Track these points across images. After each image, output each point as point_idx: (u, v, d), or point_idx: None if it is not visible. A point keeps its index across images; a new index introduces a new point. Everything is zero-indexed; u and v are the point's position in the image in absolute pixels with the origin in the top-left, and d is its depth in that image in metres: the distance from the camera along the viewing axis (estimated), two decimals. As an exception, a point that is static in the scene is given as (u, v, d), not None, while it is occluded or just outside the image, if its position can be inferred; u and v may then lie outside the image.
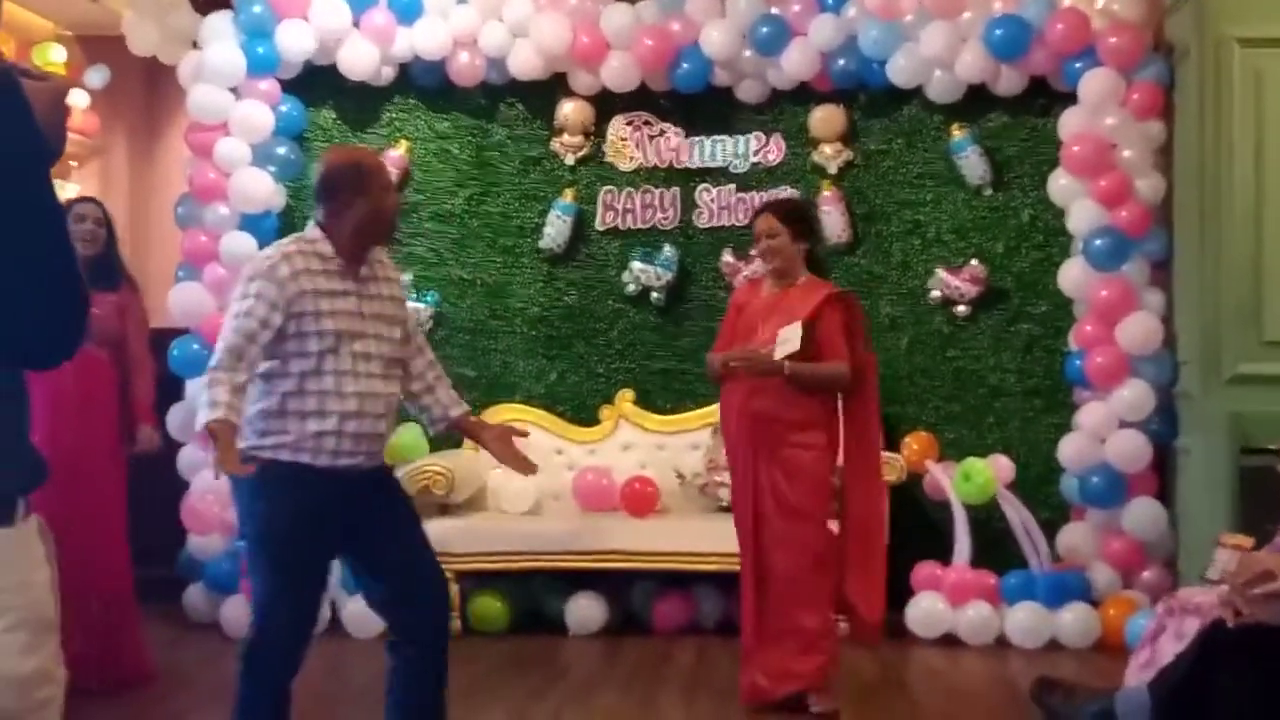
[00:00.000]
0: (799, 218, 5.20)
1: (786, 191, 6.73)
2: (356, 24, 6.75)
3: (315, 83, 6.90)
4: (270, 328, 3.68)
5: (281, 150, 6.83)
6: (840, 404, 5.10)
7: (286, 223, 6.95)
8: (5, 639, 1.79)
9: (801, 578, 5.01)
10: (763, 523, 5.05)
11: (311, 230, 3.83)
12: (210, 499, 6.54)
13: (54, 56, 7.41)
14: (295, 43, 6.73)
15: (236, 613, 6.40)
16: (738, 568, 6.15)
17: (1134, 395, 6.26)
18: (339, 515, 3.79)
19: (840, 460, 5.12)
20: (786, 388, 4.94)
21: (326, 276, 3.76)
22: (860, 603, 5.10)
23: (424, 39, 6.75)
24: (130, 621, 5.52)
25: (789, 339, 4.93)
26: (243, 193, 6.69)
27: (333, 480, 3.76)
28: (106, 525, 5.42)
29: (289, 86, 6.87)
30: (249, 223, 6.73)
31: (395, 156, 6.93)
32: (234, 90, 6.75)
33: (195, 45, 6.76)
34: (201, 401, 3.68)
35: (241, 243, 6.67)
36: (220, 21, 6.74)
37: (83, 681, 4.86)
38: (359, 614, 6.35)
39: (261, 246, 6.68)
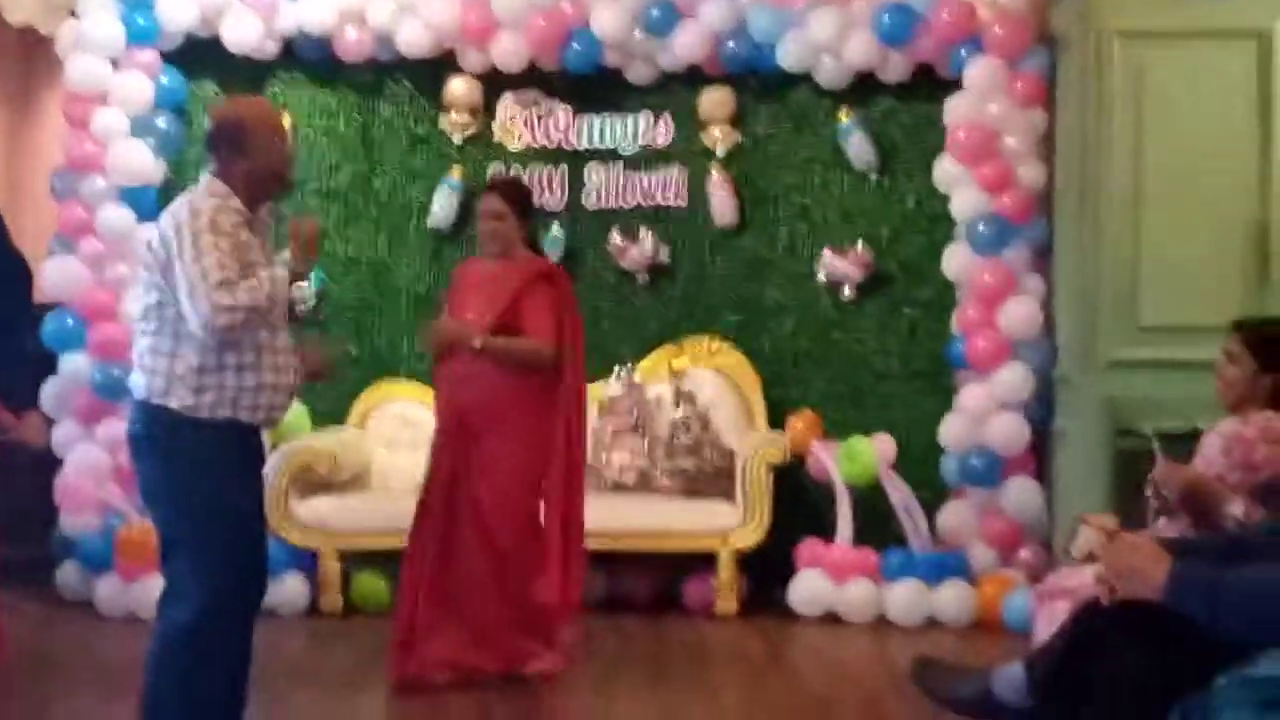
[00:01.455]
0: (522, 197, 5.32)
1: (673, 172, 6.77)
2: (240, -5, 6.63)
3: (197, 55, 6.76)
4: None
5: (161, 122, 6.68)
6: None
7: (165, 196, 6.77)
8: None
9: (484, 571, 5.02)
10: (458, 510, 5.03)
11: (215, 183, 3.82)
12: (85, 476, 6.40)
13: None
14: (176, 13, 6.59)
15: (110, 591, 6.29)
16: (623, 546, 6.21)
17: (1013, 378, 6.36)
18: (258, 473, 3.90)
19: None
20: (493, 377, 4.98)
21: (245, 229, 3.77)
22: (550, 591, 5.08)
23: (309, 13, 6.63)
24: None
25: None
26: (121, 165, 6.54)
27: (257, 436, 3.83)
28: None
29: (170, 58, 6.73)
30: (128, 195, 6.58)
31: (280, 131, 6.82)
32: (113, 61, 6.59)
33: (73, 14, 6.59)
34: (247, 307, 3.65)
35: (119, 216, 6.53)
36: (99, -10, 6.58)
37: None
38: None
39: (141, 220, 6.57)
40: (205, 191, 3.84)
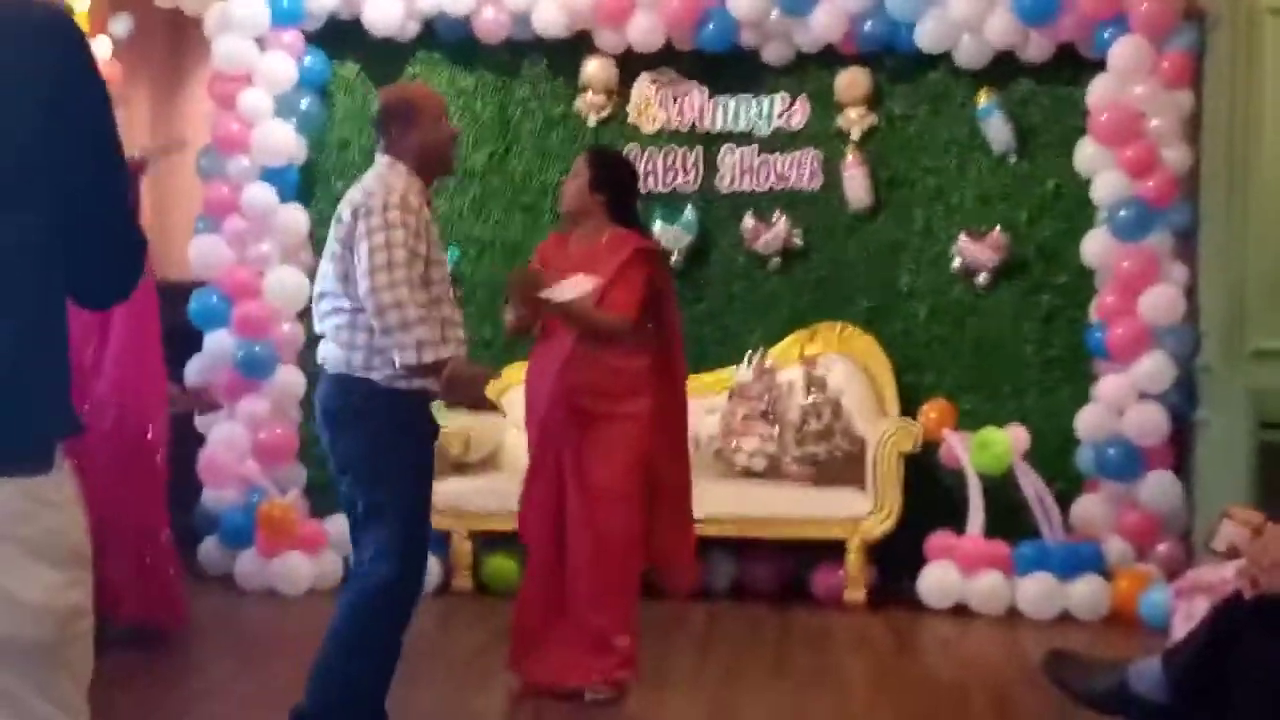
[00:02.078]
0: (603, 165, 5.01)
1: (807, 154, 6.72)
2: (382, -23, 6.71)
3: (339, 35, 6.87)
4: (420, 256, 3.88)
5: (304, 103, 6.80)
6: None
7: (307, 175, 6.94)
8: (49, 575, 1.89)
9: (601, 568, 4.73)
10: (565, 502, 4.81)
11: (396, 163, 4.01)
12: (227, 452, 6.55)
13: (77, 5, 7.37)
14: (320, -5, 6.71)
15: (250, 567, 6.44)
16: (752, 532, 6.19)
17: (1154, 367, 6.22)
18: None
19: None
20: (603, 356, 4.74)
21: (424, 210, 3.98)
22: (669, 555, 4.96)
23: (449, -6, 6.71)
24: (164, 564, 5.52)
25: (575, 286, 4.73)
26: (265, 144, 6.67)
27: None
28: (148, 464, 5.43)
29: (313, 38, 6.84)
30: (270, 175, 6.71)
31: (417, 112, 6.91)
32: (258, 41, 6.72)
33: (220, -4, 6.74)
34: (403, 342, 3.80)
35: (263, 194, 6.66)
36: (245, -28, 6.71)
37: (113, 619, 4.96)
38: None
39: (283, 200, 6.70)
40: (390, 170, 4.01)
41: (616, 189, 4.97)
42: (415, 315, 3.82)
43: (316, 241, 6.93)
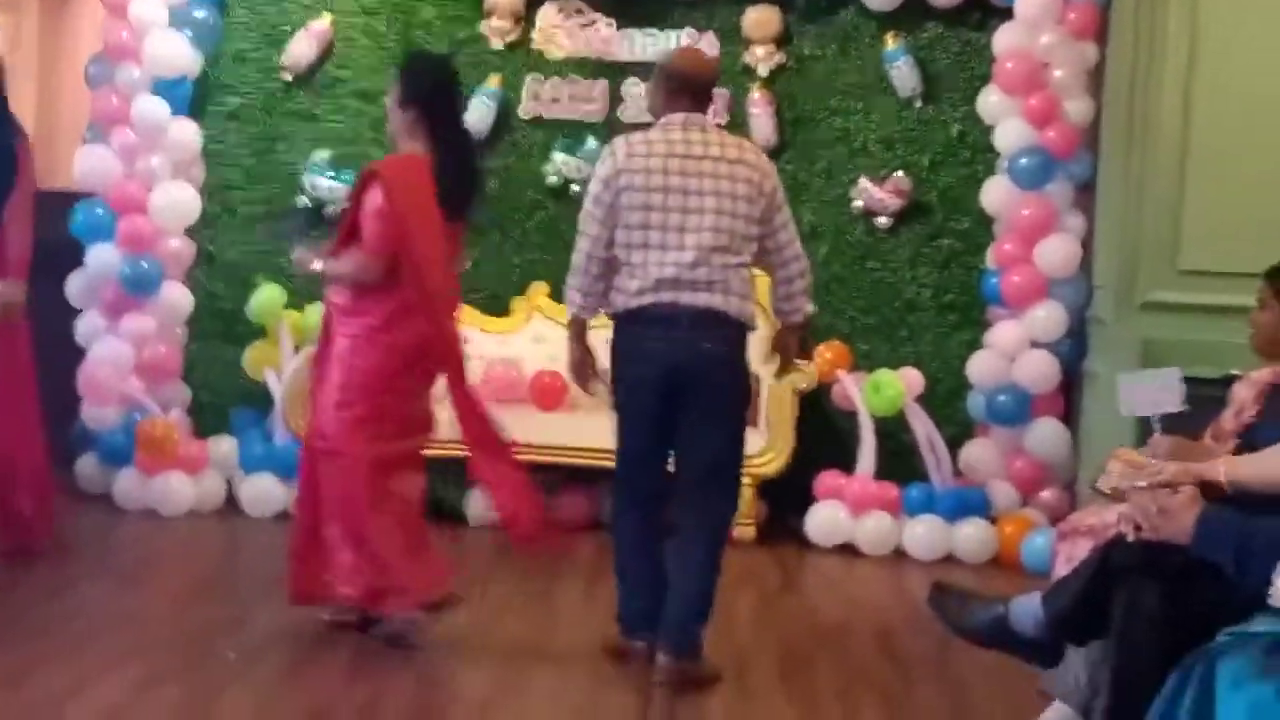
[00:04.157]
0: (411, 75, 4.65)
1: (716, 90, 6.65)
2: (284, -113, 6.53)
3: (238, -54, 6.68)
4: None
5: (199, 14, 6.60)
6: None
7: (201, 89, 6.74)
8: None
9: (334, 495, 4.58)
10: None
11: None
12: (108, 369, 6.39)
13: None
14: (219, -97, 6.51)
15: (129, 485, 6.29)
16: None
17: (1047, 316, 6.27)
18: None
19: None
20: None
21: None
22: (510, 512, 4.70)
23: (353, -92, 6.54)
24: (39, 485, 5.37)
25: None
26: (157, 56, 6.47)
27: None
28: (13, 385, 5.26)
29: (210, -52, 6.65)
30: (162, 87, 6.51)
31: (318, 29, 6.75)
32: (152, -51, 6.51)
33: (114, -100, 6.50)
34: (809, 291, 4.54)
35: (153, 106, 6.46)
36: (141, -125, 6.48)
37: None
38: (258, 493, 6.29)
39: (175, 112, 6.51)
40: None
41: (427, 102, 4.60)
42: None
43: (208, 156, 6.76)
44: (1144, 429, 3.77)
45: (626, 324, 4.39)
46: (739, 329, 4.38)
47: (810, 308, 4.62)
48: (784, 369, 4.82)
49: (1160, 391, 3.76)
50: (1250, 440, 3.64)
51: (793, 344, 4.69)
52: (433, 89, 4.63)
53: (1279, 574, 2.77)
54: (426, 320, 4.53)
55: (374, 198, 4.47)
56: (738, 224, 4.34)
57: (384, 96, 6.52)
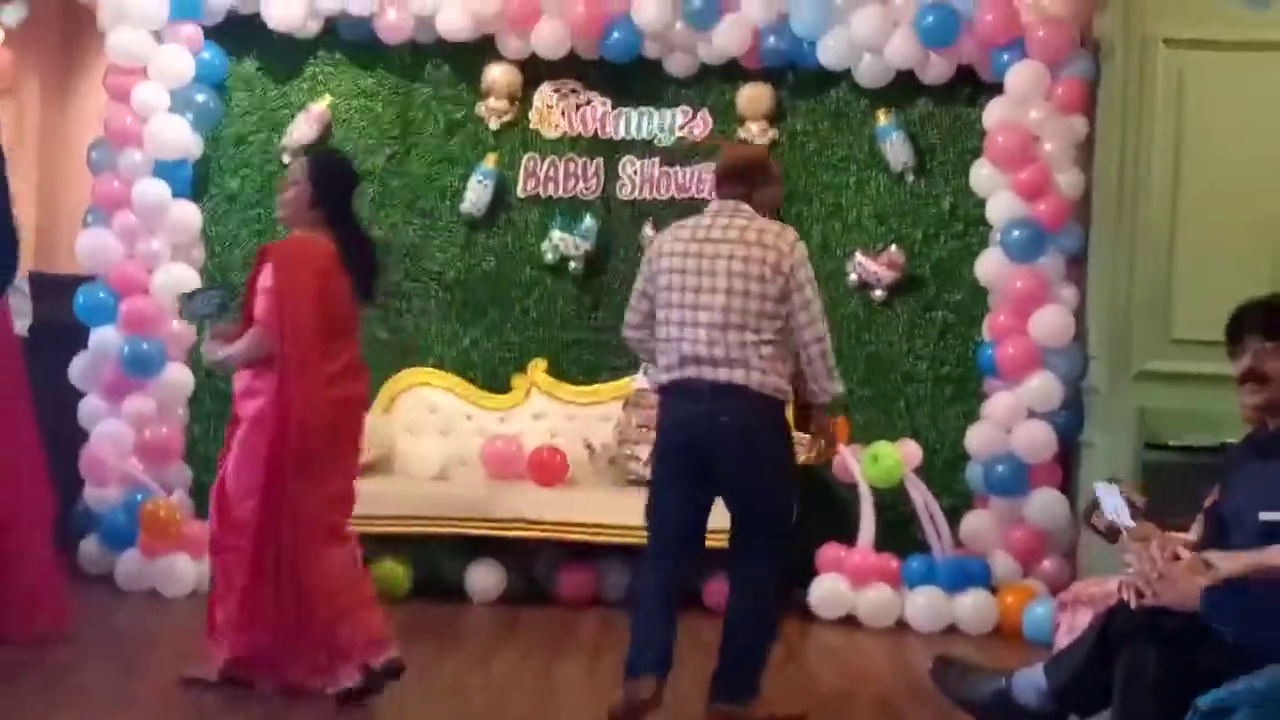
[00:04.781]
0: (320, 166, 4.91)
1: (708, 167, 6.74)
2: (283, -26, 6.64)
3: (238, 31, 6.78)
4: None
5: (201, 98, 6.70)
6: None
7: (202, 171, 6.83)
8: None
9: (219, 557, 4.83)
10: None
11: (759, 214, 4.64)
12: (110, 449, 6.41)
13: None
14: (220, -11, 6.61)
15: (131, 567, 6.29)
16: (639, 541, 6.17)
17: (1043, 387, 6.32)
18: None
19: None
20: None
21: None
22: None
23: (352, -7, 6.65)
24: (44, 570, 5.37)
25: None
26: (159, 139, 6.55)
27: None
28: (19, 467, 5.27)
29: (211, 34, 6.74)
30: (163, 170, 6.59)
31: (317, 111, 6.84)
32: (155, 34, 6.61)
33: (116, -14, 6.61)
34: (833, 371, 4.62)
35: (155, 189, 6.54)
36: (144, -37, 6.60)
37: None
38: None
39: (176, 195, 6.58)
40: (771, 220, 4.68)
41: (339, 201, 4.86)
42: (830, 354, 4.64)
43: (209, 238, 6.83)
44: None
45: (663, 396, 4.70)
46: (762, 400, 4.54)
47: (837, 388, 4.67)
48: (820, 451, 5.17)
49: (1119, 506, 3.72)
50: (1215, 519, 3.62)
51: (824, 425, 4.93)
52: (345, 192, 4.92)
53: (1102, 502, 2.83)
54: (294, 393, 4.64)
55: (265, 276, 4.72)
56: (751, 302, 4.51)
57: (375, 177, 6.78)
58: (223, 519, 4.81)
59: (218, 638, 4.80)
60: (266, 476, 4.66)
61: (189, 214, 6.66)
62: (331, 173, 4.93)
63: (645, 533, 4.78)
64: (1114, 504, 3.64)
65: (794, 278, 4.55)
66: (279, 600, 4.67)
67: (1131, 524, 3.53)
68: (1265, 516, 3.36)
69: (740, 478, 4.59)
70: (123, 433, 6.47)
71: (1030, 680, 3.62)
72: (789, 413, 4.80)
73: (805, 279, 4.58)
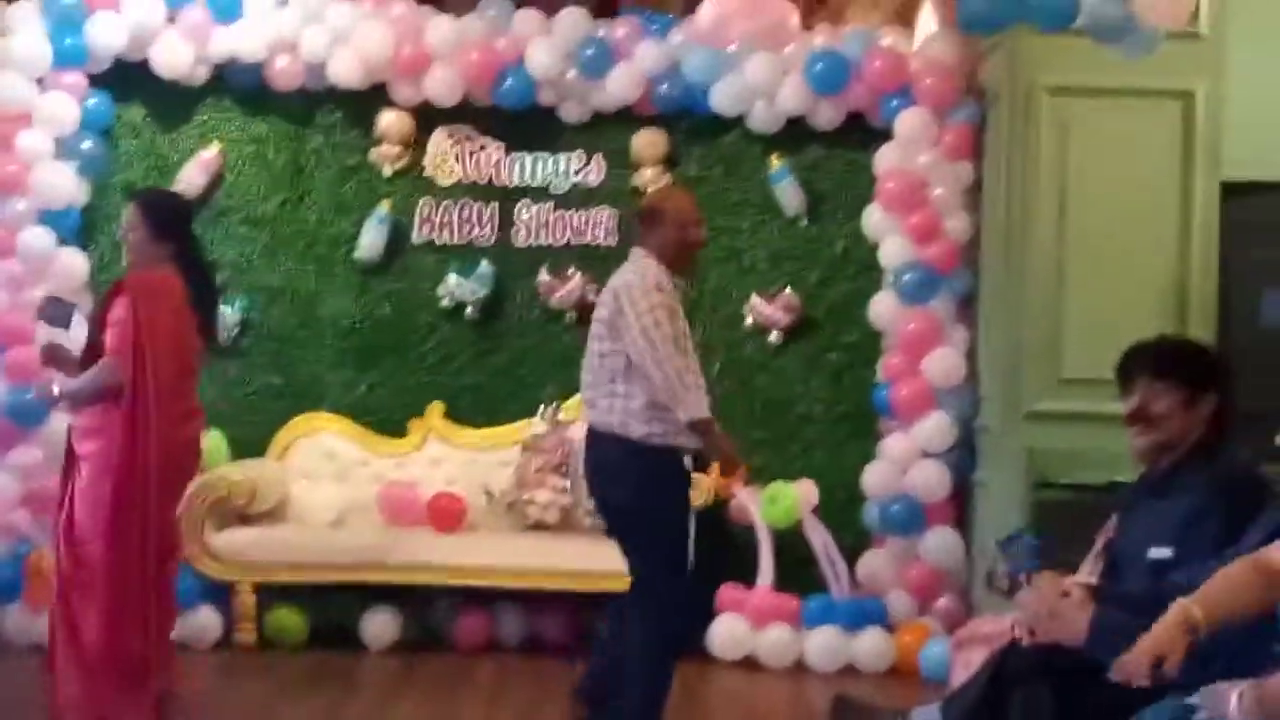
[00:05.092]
0: (155, 208, 4.96)
1: (603, 212, 6.78)
2: (171, 20, 6.57)
3: (125, 78, 6.69)
4: (677, 330, 4.53)
5: (86, 145, 6.60)
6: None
7: (88, 219, 6.72)
8: None
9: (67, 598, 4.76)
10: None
11: (646, 256, 4.68)
12: (-5, 502, 6.26)
13: None
14: (106, 36, 6.53)
15: (17, 621, 6.14)
16: (543, 585, 6.17)
17: (936, 427, 6.40)
18: None
19: None
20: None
21: (673, 292, 4.65)
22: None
23: (241, 40, 6.59)
24: None
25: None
26: (43, 187, 6.45)
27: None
28: None
29: (97, 80, 6.66)
30: (49, 218, 6.48)
31: (207, 159, 6.77)
32: (39, 81, 6.51)
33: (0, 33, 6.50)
34: (686, 401, 4.45)
35: (39, 238, 6.42)
36: (27, 9, 6.50)
37: None
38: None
39: (62, 243, 6.47)
40: (644, 260, 4.69)
41: (180, 237, 4.94)
42: (691, 379, 4.49)
43: (96, 285, 6.72)
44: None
45: (674, 454, 4.66)
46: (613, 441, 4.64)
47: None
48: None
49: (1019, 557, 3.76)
50: (1110, 558, 3.67)
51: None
52: (183, 225, 5.00)
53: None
54: (150, 428, 4.67)
55: (118, 308, 4.71)
56: (603, 344, 4.65)
57: (268, 223, 6.72)
58: (75, 560, 4.72)
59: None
60: (115, 513, 4.65)
61: (75, 262, 6.55)
62: (163, 210, 4.99)
63: (662, 578, 4.65)
64: (1016, 558, 3.67)
65: (623, 315, 4.57)
66: (142, 629, 4.68)
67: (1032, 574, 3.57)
68: (1153, 554, 3.43)
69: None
70: (7, 485, 6.32)
71: (928, 716, 3.64)
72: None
73: (628, 306, 4.55)
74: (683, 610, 4.74)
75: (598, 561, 6.16)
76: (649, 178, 6.81)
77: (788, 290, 6.78)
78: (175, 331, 4.77)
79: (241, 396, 6.79)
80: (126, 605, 4.67)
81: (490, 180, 6.85)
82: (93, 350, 4.78)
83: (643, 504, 4.59)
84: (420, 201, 6.84)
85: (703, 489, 6.26)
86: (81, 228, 6.68)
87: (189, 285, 4.84)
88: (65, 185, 6.51)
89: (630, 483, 4.59)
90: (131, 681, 4.69)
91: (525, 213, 6.85)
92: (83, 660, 4.70)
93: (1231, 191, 6.08)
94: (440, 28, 6.64)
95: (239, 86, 6.79)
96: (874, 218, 6.58)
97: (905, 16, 7.22)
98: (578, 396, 6.65)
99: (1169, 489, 3.53)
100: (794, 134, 6.75)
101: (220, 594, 6.24)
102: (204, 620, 6.21)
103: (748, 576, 6.38)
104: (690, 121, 6.84)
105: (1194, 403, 3.54)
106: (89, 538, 4.69)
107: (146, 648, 4.70)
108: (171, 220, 4.94)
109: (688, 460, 4.69)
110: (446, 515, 6.41)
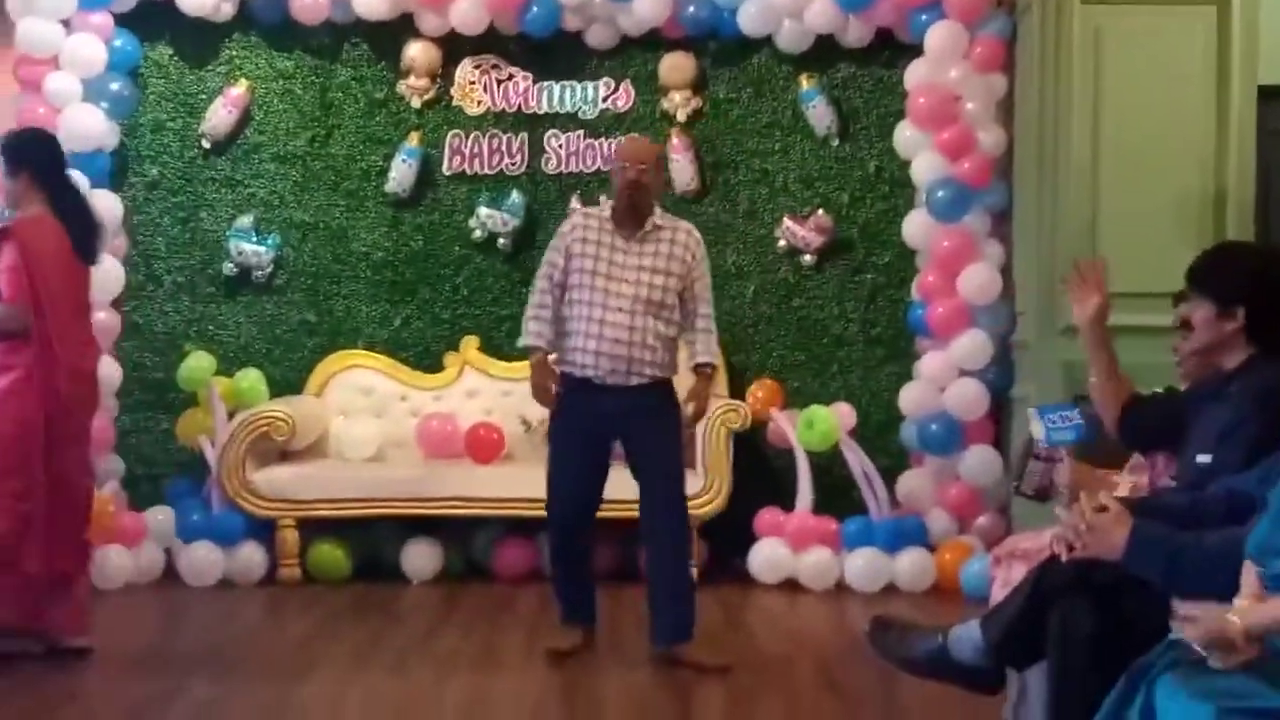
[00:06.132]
0: (14, 148, 5.03)
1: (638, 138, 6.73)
2: (195, -44, 6.54)
3: (150, 17, 6.68)
4: (556, 268, 4.99)
5: (115, 86, 6.60)
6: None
7: (119, 161, 6.73)
8: None
9: None
10: None
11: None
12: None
13: None
14: (130, -26, 6.51)
15: None
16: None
17: (973, 344, 6.37)
18: (593, 416, 4.97)
19: None
20: None
21: (599, 234, 4.96)
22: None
23: (265, -26, 6.56)
24: None
25: None
26: (73, 129, 6.45)
27: (583, 387, 4.97)
28: None
29: (123, 20, 6.64)
30: (79, 161, 6.45)
31: (235, 95, 6.76)
32: (65, 23, 6.50)
33: (24, -24, 6.49)
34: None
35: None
36: (51, -49, 6.48)
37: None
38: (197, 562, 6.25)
39: (94, 185, 6.49)
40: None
41: (53, 173, 5.02)
42: (532, 304, 5.02)
43: (130, 228, 6.74)
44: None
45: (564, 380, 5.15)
46: None
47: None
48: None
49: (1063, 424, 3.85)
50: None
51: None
52: (35, 153, 5.03)
53: (1181, 606, 2.81)
54: (64, 366, 4.85)
55: (8, 254, 4.81)
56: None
57: (298, 160, 6.72)
58: None
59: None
60: (28, 446, 4.79)
61: (109, 204, 6.55)
62: (31, 149, 5.06)
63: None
64: (1046, 427, 3.73)
65: None
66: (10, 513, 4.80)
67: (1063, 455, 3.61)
68: (1200, 459, 3.43)
69: None
70: None
71: (967, 636, 3.63)
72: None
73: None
74: (555, 527, 5.19)
75: (636, 489, 6.20)
76: (678, 102, 6.76)
77: (820, 211, 6.74)
78: (61, 270, 4.91)
79: (277, 334, 6.82)
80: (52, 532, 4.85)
81: (519, 109, 6.82)
82: None
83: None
84: (449, 133, 6.82)
85: (740, 413, 6.27)
86: (113, 169, 6.69)
87: (67, 218, 4.95)
88: (95, 127, 6.52)
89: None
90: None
91: (555, 141, 6.82)
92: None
93: (1268, 96, 5.98)
94: (463, -44, 6.58)
95: (264, 22, 6.76)
96: (905, 135, 6.52)
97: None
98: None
99: (1224, 395, 3.53)
100: (823, 52, 6.69)
101: (264, 531, 6.30)
102: (249, 557, 6.28)
103: (786, 501, 6.39)
104: (718, 43, 6.78)
105: (1224, 316, 3.53)
106: (5, 474, 4.78)
107: (19, 533, 4.79)
108: (41, 158, 5.01)
109: (577, 386, 5.00)
110: (484, 446, 6.44)
